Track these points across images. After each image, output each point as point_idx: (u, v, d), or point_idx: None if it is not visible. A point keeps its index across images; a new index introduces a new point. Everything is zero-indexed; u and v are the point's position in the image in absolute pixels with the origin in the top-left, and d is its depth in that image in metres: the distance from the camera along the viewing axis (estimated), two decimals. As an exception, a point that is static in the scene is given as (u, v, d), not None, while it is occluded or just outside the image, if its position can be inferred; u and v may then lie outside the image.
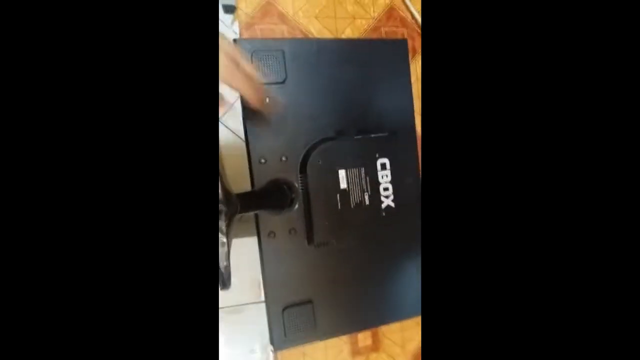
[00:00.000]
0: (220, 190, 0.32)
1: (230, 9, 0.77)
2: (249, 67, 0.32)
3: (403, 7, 0.47)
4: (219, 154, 0.33)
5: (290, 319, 0.43)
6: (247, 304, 0.87)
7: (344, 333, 0.47)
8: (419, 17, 0.49)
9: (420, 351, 0.51)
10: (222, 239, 0.33)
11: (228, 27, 0.77)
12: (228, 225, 0.33)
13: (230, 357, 0.86)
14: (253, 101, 0.34)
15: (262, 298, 0.93)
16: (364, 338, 0.49)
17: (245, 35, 0.42)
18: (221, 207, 0.32)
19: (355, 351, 0.48)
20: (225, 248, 0.33)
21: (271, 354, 0.87)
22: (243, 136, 0.42)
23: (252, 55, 0.41)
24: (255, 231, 0.64)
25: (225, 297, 0.85)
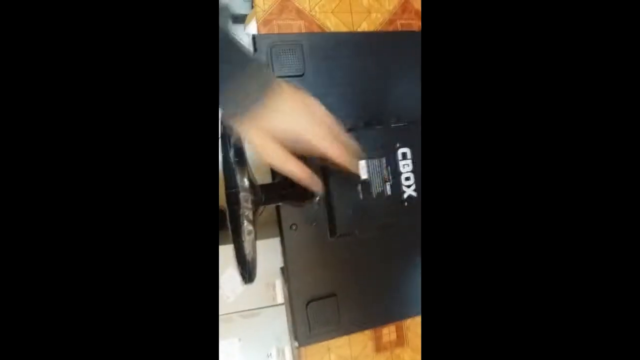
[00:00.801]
0: (245, 179, 0.32)
1: (240, 20, 0.78)
2: (345, 136, 0.32)
3: (417, -1, 0.48)
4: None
5: (315, 313, 0.43)
6: (263, 307, 0.86)
7: (368, 327, 0.46)
8: (433, 9, 0.49)
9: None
10: (249, 227, 0.33)
11: (240, 37, 0.79)
12: (254, 213, 0.33)
13: (247, 362, 0.85)
14: (348, 170, 0.33)
15: (278, 301, 0.92)
16: (388, 333, 0.48)
17: (263, 31, 0.43)
18: (248, 195, 0.32)
19: (380, 346, 0.47)
20: (253, 236, 0.33)
21: (289, 355, 0.86)
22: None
23: (271, 50, 0.41)
24: (267, 234, 0.64)
25: (240, 301, 0.84)
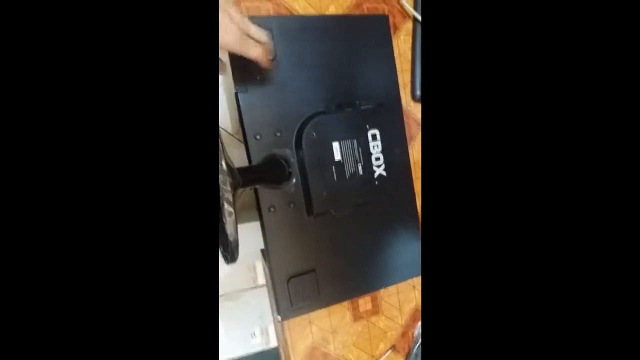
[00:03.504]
0: (223, 163, 0.33)
1: None
2: (257, 31, 0.34)
3: (382, -16, 0.49)
4: (219, 130, 0.34)
5: (295, 288, 0.45)
6: (244, 289, 0.88)
7: (346, 298, 0.49)
8: (398, -6, 0.51)
9: (416, 311, 0.55)
10: (229, 209, 0.34)
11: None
12: (234, 196, 0.34)
13: (231, 343, 0.87)
14: (266, 64, 0.36)
15: (259, 283, 0.94)
16: (364, 303, 0.51)
17: (233, 14, 0.42)
18: (226, 178, 0.33)
19: (357, 316, 0.51)
20: (233, 217, 0.34)
21: (273, 333, 0.89)
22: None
23: (241, 34, 0.41)
24: (245, 218, 0.65)
25: (221, 284, 0.86)
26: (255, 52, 0.33)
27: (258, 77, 0.42)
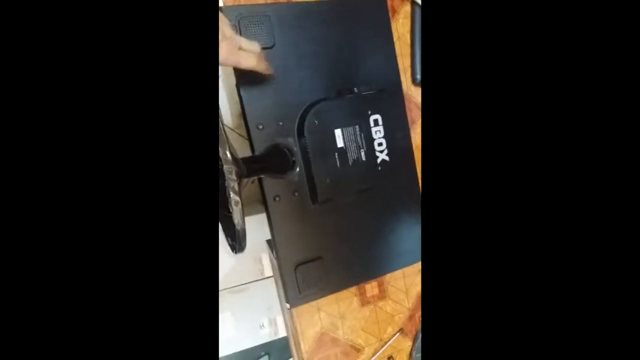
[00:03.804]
0: (228, 153, 0.33)
1: None
2: (248, 44, 0.36)
3: (379, -33, 0.48)
4: (222, 119, 0.34)
5: (303, 276, 0.46)
6: (251, 282, 0.89)
7: (353, 284, 0.50)
8: (395, -23, 0.50)
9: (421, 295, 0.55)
10: (236, 198, 0.34)
11: None
12: (239, 185, 0.34)
13: (240, 335, 0.89)
14: (264, 70, 0.38)
15: (266, 274, 0.95)
16: (371, 288, 0.52)
17: (229, 2, 0.42)
18: (232, 167, 0.33)
19: (365, 301, 0.51)
20: (240, 206, 0.34)
21: (281, 324, 0.91)
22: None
23: (239, 22, 0.41)
24: (249, 211, 0.65)
25: (228, 278, 0.87)
26: (250, 63, 0.36)
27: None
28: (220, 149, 0.32)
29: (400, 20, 0.52)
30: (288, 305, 0.47)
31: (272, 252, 0.52)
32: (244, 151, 0.44)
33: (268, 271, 0.89)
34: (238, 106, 0.43)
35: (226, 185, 0.33)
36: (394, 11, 0.51)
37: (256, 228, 0.68)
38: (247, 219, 0.38)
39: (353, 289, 0.50)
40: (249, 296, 0.89)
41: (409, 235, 0.51)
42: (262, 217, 0.47)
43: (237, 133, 0.82)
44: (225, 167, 0.32)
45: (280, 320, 0.91)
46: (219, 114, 0.35)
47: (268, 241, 0.77)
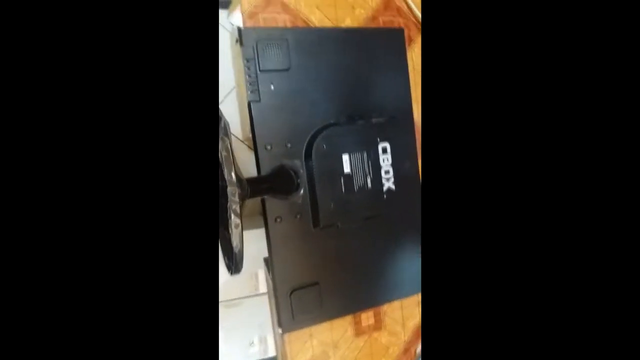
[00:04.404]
0: (233, 174, 0.33)
1: (225, 5, 0.78)
2: None
3: (399, -3, 0.49)
4: (230, 140, 0.34)
5: (298, 301, 0.45)
6: (244, 297, 0.87)
7: (349, 312, 0.48)
8: (414, 7, 0.51)
9: (419, 328, 0.54)
10: (236, 220, 0.33)
11: (223, 22, 0.78)
12: (241, 207, 0.34)
13: (229, 351, 0.86)
14: None
15: (260, 291, 0.94)
16: (367, 318, 0.50)
17: (249, 24, 0.43)
18: (235, 189, 0.33)
19: (360, 331, 0.50)
20: (240, 229, 0.33)
21: (272, 342, 0.88)
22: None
23: (256, 44, 0.41)
24: (248, 225, 0.65)
25: (223, 291, 0.85)
26: None
27: (272, 87, 0.42)
28: (225, 169, 0.31)
29: (416, 50, 0.52)
30: (280, 330, 0.46)
31: (269, 272, 0.51)
32: (250, 161, 0.43)
33: (263, 288, 0.88)
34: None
35: (228, 206, 0.32)
36: (410, 40, 0.52)
37: (255, 242, 0.67)
38: (246, 233, 0.38)
39: (348, 318, 0.49)
40: (241, 311, 0.87)
41: (410, 265, 0.50)
42: (261, 233, 0.47)
43: (246, 145, 0.83)
44: (229, 188, 0.32)
45: (270, 339, 0.89)
46: (228, 132, 0.34)
47: (265, 259, 0.76)
